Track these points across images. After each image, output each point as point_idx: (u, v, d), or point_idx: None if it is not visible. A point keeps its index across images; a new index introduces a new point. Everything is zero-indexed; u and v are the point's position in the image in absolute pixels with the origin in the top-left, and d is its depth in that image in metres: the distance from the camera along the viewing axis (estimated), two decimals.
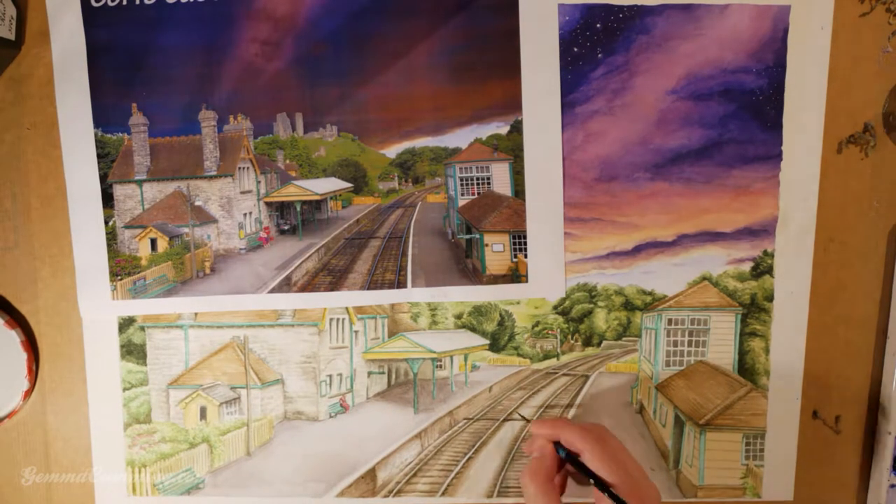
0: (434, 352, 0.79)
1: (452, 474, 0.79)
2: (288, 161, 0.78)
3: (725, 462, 0.77)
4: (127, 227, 0.78)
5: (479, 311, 0.79)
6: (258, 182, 0.81)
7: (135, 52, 0.75)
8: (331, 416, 0.80)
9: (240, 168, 0.80)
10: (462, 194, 0.80)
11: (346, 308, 0.79)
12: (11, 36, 0.73)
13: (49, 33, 0.75)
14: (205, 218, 0.80)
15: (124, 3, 0.74)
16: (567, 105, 0.74)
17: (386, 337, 0.80)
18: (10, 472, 0.80)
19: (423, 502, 0.79)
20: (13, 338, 0.76)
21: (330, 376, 0.80)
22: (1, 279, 0.78)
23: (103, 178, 0.77)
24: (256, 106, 0.76)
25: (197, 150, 0.78)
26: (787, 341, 0.76)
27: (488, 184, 0.78)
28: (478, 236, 0.78)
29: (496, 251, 0.78)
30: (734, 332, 0.77)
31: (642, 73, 0.74)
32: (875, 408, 0.76)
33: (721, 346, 0.77)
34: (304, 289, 0.78)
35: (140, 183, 0.78)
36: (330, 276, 0.79)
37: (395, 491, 0.79)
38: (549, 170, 0.75)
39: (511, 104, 0.74)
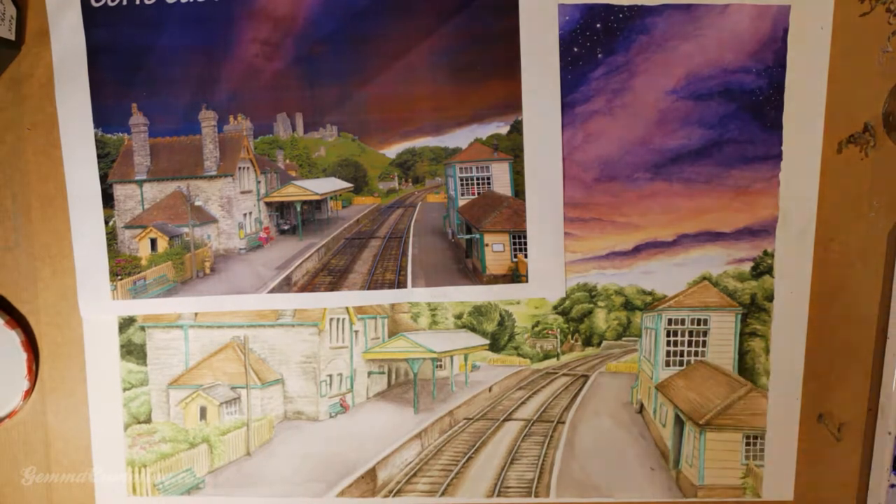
0: (434, 352, 0.79)
1: (452, 474, 0.79)
2: (288, 161, 0.78)
3: (725, 462, 0.77)
4: (127, 227, 0.78)
5: (479, 311, 0.78)
6: (258, 182, 0.81)
7: (135, 52, 0.75)
8: (331, 416, 0.80)
9: (240, 168, 0.80)
10: (462, 194, 0.80)
11: (347, 308, 0.79)
12: (11, 36, 0.73)
13: (49, 33, 0.75)
14: (205, 218, 0.80)
15: (124, 3, 0.74)
16: (567, 105, 0.74)
17: (386, 337, 0.80)
18: (10, 472, 0.80)
19: (423, 502, 0.79)
20: (13, 338, 0.76)
21: (330, 376, 0.80)
22: (1, 279, 0.78)
23: (103, 178, 0.77)
24: (256, 106, 0.76)
25: (197, 150, 0.78)
26: (787, 341, 0.76)
27: (488, 184, 0.78)
28: (478, 236, 0.78)
29: (496, 251, 0.78)
30: (734, 332, 0.77)
31: (642, 74, 0.74)
32: (875, 408, 0.76)
33: (721, 346, 0.77)
34: (304, 289, 0.78)
35: (140, 183, 0.78)
36: (330, 276, 0.79)
37: (395, 491, 0.79)
38: (549, 170, 0.75)
39: (511, 104, 0.74)
